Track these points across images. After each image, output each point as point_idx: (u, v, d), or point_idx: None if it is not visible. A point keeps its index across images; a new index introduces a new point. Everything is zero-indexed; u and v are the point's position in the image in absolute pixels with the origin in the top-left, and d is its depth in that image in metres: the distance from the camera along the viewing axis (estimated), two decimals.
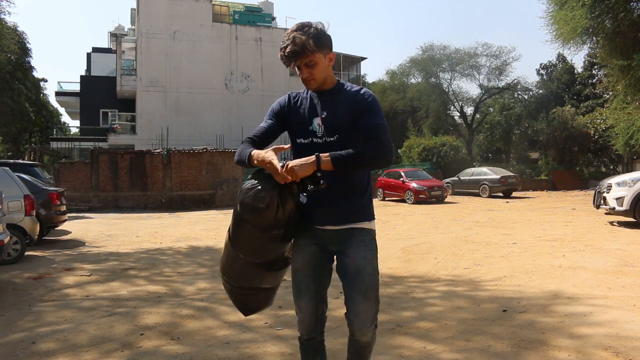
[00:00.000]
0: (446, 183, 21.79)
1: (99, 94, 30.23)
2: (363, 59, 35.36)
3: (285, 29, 17.78)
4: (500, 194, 20.84)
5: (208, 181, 19.66)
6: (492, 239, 8.42)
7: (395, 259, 6.83)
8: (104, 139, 28.20)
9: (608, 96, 22.27)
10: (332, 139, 2.06)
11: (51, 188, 9.78)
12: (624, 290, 4.71)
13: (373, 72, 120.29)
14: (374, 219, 2.20)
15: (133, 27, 33.17)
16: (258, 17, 31.55)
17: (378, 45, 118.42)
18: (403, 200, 18.90)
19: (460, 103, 34.66)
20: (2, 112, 25.91)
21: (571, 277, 5.33)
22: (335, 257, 2.18)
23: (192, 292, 5.14)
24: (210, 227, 11.68)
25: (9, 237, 5.80)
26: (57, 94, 34.06)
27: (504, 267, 6.05)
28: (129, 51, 30.49)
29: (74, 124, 41.85)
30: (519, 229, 9.79)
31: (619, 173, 24.07)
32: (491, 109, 34.54)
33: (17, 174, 8.21)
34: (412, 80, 35.71)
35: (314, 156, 1.93)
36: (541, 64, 41.07)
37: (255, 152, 1.98)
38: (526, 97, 34.92)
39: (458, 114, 35.53)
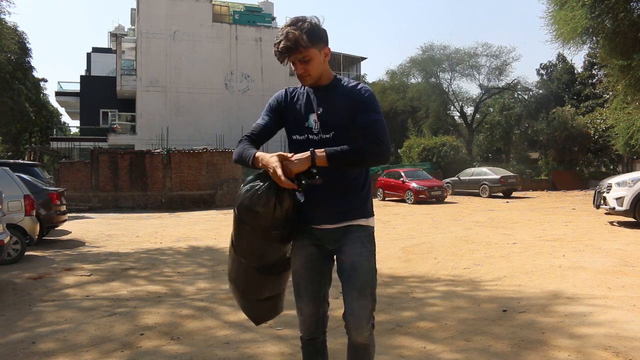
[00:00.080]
0: (446, 183, 21.79)
1: (99, 94, 30.24)
2: (363, 59, 35.39)
3: None
4: (500, 194, 20.84)
5: (208, 181, 19.66)
6: (492, 239, 8.42)
7: (395, 259, 6.83)
8: (104, 139, 28.21)
9: (608, 96, 22.26)
10: (327, 135, 2.03)
11: (51, 188, 9.78)
12: (624, 290, 4.71)
13: (373, 72, 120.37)
14: (373, 216, 2.15)
15: (133, 27, 33.17)
16: (258, 17, 31.55)
17: (378, 45, 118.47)
18: (403, 200, 18.90)
19: (460, 103, 34.68)
20: (2, 112, 25.91)
21: (571, 277, 5.33)
22: (334, 256, 2.16)
23: (192, 292, 5.14)
24: (210, 227, 11.69)
25: (9, 237, 5.80)
26: (57, 94, 34.06)
27: (504, 267, 6.05)
28: (129, 51, 30.49)
29: (74, 124, 41.91)
30: (519, 229, 9.79)
31: (619, 173, 24.06)
32: (491, 109, 34.53)
33: (17, 174, 8.20)
34: (412, 80, 35.72)
35: (309, 152, 1.90)
36: (541, 64, 41.13)
37: (260, 155, 1.96)
38: (526, 97, 34.92)
39: (458, 114, 35.53)
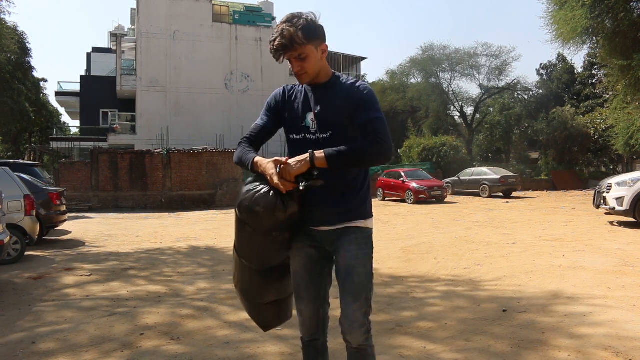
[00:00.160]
0: (446, 183, 21.79)
1: (99, 94, 30.23)
2: (363, 59, 35.43)
3: None
4: (500, 194, 20.84)
5: (208, 181, 19.66)
6: (492, 239, 8.42)
7: (395, 259, 6.83)
8: (104, 139, 28.20)
9: (608, 96, 22.26)
10: (324, 135, 1.99)
11: (51, 188, 9.78)
12: (624, 290, 4.71)
13: (373, 72, 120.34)
14: (371, 217, 2.11)
15: (133, 27, 33.17)
16: (258, 17, 31.55)
17: (378, 45, 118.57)
18: (403, 200, 18.90)
19: (460, 103, 34.67)
20: (2, 112, 25.91)
21: (571, 277, 5.33)
22: (334, 257, 2.14)
23: (192, 292, 5.13)
24: (210, 227, 11.68)
25: (9, 237, 5.80)
26: (57, 94, 34.06)
27: (504, 267, 6.05)
28: (129, 51, 30.49)
29: (74, 124, 41.90)
30: (519, 229, 9.79)
31: (619, 173, 24.06)
32: (491, 109, 34.52)
33: (17, 174, 8.20)
34: (412, 80, 35.71)
35: (308, 154, 1.86)
36: (541, 64, 41.10)
37: (259, 161, 1.95)
38: (526, 97, 34.92)
39: (458, 114, 35.52)
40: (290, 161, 1.88)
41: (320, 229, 2.04)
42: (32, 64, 30.07)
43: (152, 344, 3.49)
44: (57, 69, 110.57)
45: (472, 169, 22.91)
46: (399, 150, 30.20)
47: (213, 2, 30.40)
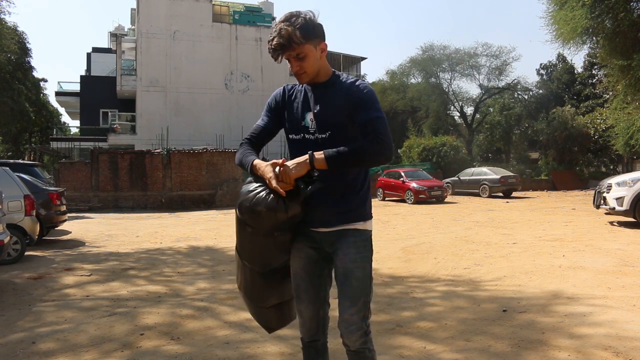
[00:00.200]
0: (446, 183, 21.79)
1: (99, 94, 30.23)
2: (363, 59, 35.42)
3: None
4: (500, 194, 20.84)
5: (208, 181, 19.66)
6: (492, 239, 8.42)
7: (395, 259, 6.83)
8: (104, 139, 28.20)
9: (608, 96, 22.26)
10: (323, 135, 1.96)
11: (51, 188, 9.78)
12: (624, 290, 4.71)
13: (373, 72, 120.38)
14: (370, 219, 2.07)
15: (133, 27, 33.17)
16: (258, 17, 31.55)
17: (378, 45, 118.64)
18: (403, 200, 18.90)
19: (460, 103, 34.68)
20: (2, 112, 25.91)
21: (571, 277, 5.33)
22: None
23: (192, 292, 5.13)
24: (210, 227, 11.68)
25: (9, 237, 5.80)
26: (57, 94, 34.06)
27: (504, 267, 6.05)
28: (129, 51, 30.49)
29: (74, 124, 41.91)
30: (519, 229, 9.79)
31: (619, 173, 24.07)
32: (491, 109, 34.53)
33: (17, 174, 8.20)
34: (412, 80, 35.73)
35: (307, 155, 1.84)
36: (541, 64, 41.11)
37: (257, 164, 1.94)
38: (526, 97, 34.92)
39: (458, 114, 35.53)
40: (289, 163, 1.85)
41: (319, 230, 2.02)
42: (32, 64, 30.12)
43: (152, 344, 3.49)
44: (57, 69, 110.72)
45: (472, 169, 22.92)
46: (399, 150, 30.20)
47: (213, 2, 30.40)
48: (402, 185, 18.95)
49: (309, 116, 2.00)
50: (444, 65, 32.97)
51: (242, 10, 31.94)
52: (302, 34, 1.87)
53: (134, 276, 6.03)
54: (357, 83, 1.97)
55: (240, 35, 30.34)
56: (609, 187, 9.87)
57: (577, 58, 66.17)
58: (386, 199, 20.24)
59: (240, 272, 2.14)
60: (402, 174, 19.50)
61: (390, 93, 35.34)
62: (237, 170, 19.86)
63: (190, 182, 19.49)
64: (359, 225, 2.01)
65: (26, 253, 7.50)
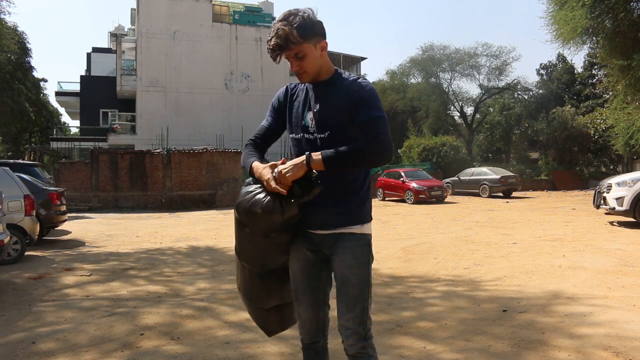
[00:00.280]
0: (446, 183, 21.80)
1: (99, 94, 30.24)
2: (363, 59, 35.41)
3: None
4: (500, 194, 20.84)
5: (208, 181, 19.66)
6: (492, 239, 8.42)
7: (395, 259, 6.83)
8: (104, 139, 28.21)
9: (608, 96, 22.26)
10: (323, 135, 1.92)
11: (51, 188, 9.77)
12: (624, 290, 4.71)
13: (373, 72, 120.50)
14: (369, 221, 2.02)
15: (133, 27, 33.18)
16: (258, 17, 31.56)
17: (378, 45, 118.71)
18: (403, 200, 18.90)
19: (460, 103, 34.68)
20: (2, 112, 25.92)
21: (571, 277, 5.33)
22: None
23: (192, 292, 5.14)
24: (210, 227, 11.68)
25: (9, 237, 5.80)
26: (57, 94, 34.07)
27: (504, 267, 6.05)
28: (129, 51, 30.50)
29: (74, 124, 41.92)
30: (519, 229, 9.79)
31: (619, 173, 24.07)
32: (491, 109, 34.53)
33: (17, 174, 8.20)
34: (412, 80, 35.73)
35: (304, 156, 1.81)
36: (541, 64, 41.09)
37: (255, 166, 1.93)
38: (526, 97, 34.93)
39: (458, 114, 35.54)
40: (286, 165, 1.82)
41: (317, 232, 1.99)
42: (32, 64, 30.14)
43: (152, 344, 3.50)
44: (57, 69, 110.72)
45: (472, 169, 22.92)
46: (399, 150, 30.21)
47: (213, 2, 30.41)
48: (402, 185, 18.95)
49: (309, 115, 1.97)
50: (444, 65, 32.98)
51: (242, 10, 31.95)
52: (300, 33, 1.83)
53: (134, 276, 6.03)
54: (358, 81, 1.92)
55: (240, 35, 30.35)
56: (609, 187, 9.87)
57: (577, 58, 66.28)
58: (386, 199, 20.24)
59: (240, 273, 2.13)
60: (402, 174, 19.50)
61: (390, 93, 35.34)
62: (237, 170, 19.87)
63: (190, 182, 19.49)
64: (356, 229, 1.96)
65: (26, 253, 7.50)
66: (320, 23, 1.92)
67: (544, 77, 39.86)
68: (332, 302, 2.17)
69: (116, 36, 32.00)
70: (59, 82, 35.80)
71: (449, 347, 3.33)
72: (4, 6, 16.23)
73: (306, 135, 1.97)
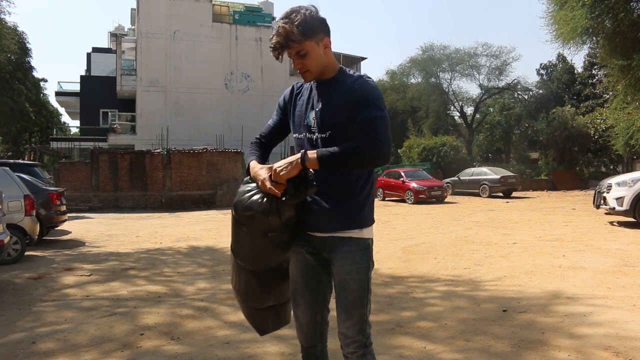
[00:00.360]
0: (446, 183, 21.80)
1: (99, 94, 30.25)
2: (363, 59, 35.41)
3: None
4: (500, 194, 20.84)
5: (208, 181, 19.66)
6: (492, 239, 8.42)
7: (395, 259, 6.83)
8: (104, 139, 28.22)
9: (608, 96, 22.26)
10: (324, 135, 1.88)
11: (51, 188, 9.77)
12: (624, 290, 4.71)
13: (373, 72, 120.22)
14: (370, 225, 1.96)
15: (133, 27, 33.18)
16: (258, 17, 31.56)
17: (378, 45, 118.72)
18: (403, 200, 18.90)
19: (460, 103, 34.71)
20: (2, 112, 25.93)
21: (571, 277, 5.33)
22: None
23: (192, 292, 5.14)
24: (210, 227, 11.68)
25: (9, 237, 5.80)
26: (57, 94, 34.08)
27: (504, 267, 6.05)
28: (129, 51, 30.51)
29: (74, 124, 41.93)
30: (519, 229, 9.79)
31: (619, 173, 24.07)
32: (491, 109, 34.55)
33: (17, 174, 8.20)
34: (412, 80, 35.77)
35: (300, 154, 1.76)
36: (541, 64, 41.12)
37: (251, 166, 1.91)
38: (526, 97, 34.95)
39: (458, 114, 35.57)
40: (281, 163, 1.79)
41: (315, 234, 1.94)
42: (32, 64, 30.18)
43: (152, 344, 3.49)
44: (57, 69, 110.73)
45: (472, 169, 22.92)
46: (399, 150, 30.23)
47: (213, 2, 30.41)
48: (402, 185, 18.95)
49: (312, 115, 1.93)
50: (444, 65, 33.00)
51: (242, 10, 31.95)
52: (301, 31, 1.79)
53: (134, 276, 6.03)
54: (359, 80, 1.87)
55: (240, 35, 30.35)
56: (609, 187, 9.87)
57: (577, 58, 66.33)
58: (386, 199, 20.25)
59: (235, 272, 2.09)
60: (402, 174, 19.50)
61: (390, 93, 35.35)
62: (237, 170, 19.87)
63: (190, 182, 19.49)
64: (355, 234, 1.90)
65: (26, 253, 7.50)
66: (324, 20, 1.88)
67: (544, 77, 39.88)
68: (332, 302, 2.16)
69: (116, 36, 32.00)
70: (59, 82, 35.85)
71: (449, 347, 3.33)
72: (4, 6, 16.26)
73: (308, 135, 1.93)
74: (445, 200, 18.97)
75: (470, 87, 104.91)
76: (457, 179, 22.54)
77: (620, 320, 3.78)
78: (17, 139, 37.12)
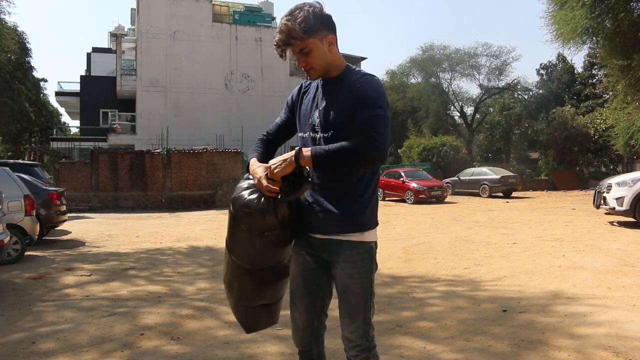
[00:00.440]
0: (446, 183, 21.80)
1: (99, 94, 30.25)
2: (363, 59, 35.38)
3: None
4: (500, 194, 20.84)
5: (208, 181, 19.66)
6: (492, 239, 8.41)
7: (395, 259, 6.83)
8: (104, 139, 28.21)
9: (608, 96, 22.28)
10: (326, 134, 1.84)
11: (51, 188, 9.77)
12: (624, 290, 4.71)
13: (373, 72, 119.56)
14: (373, 228, 1.93)
15: (133, 27, 33.17)
16: (258, 17, 31.55)
17: (378, 45, 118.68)
18: (403, 200, 18.90)
19: (460, 103, 34.71)
20: (2, 112, 25.93)
21: (571, 277, 5.33)
22: None
23: (192, 292, 5.13)
24: (210, 227, 11.68)
25: (9, 237, 5.80)
26: (57, 94, 34.07)
27: (504, 267, 6.05)
28: (129, 51, 30.50)
29: (74, 124, 41.92)
30: (519, 229, 9.79)
31: (619, 173, 24.07)
32: (491, 109, 34.55)
33: (17, 174, 8.20)
34: (412, 80, 35.77)
35: (294, 151, 1.74)
36: (541, 64, 41.09)
37: (251, 163, 1.89)
38: (526, 97, 34.94)
39: (458, 114, 35.56)
40: (275, 160, 1.78)
41: (315, 236, 1.90)
42: (32, 64, 30.19)
43: (152, 344, 3.49)
44: (57, 69, 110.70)
45: (472, 169, 22.92)
46: (399, 150, 30.23)
47: (213, 2, 30.41)
48: (402, 185, 18.95)
49: (316, 114, 1.90)
50: (444, 65, 33.01)
51: (242, 10, 31.95)
52: (303, 28, 1.75)
53: (134, 276, 6.03)
54: (362, 79, 1.82)
55: (240, 35, 30.35)
56: (609, 187, 9.87)
57: (577, 58, 66.32)
58: (386, 199, 20.24)
59: (229, 269, 2.03)
60: (402, 174, 19.51)
61: (390, 93, 35.30)
62: (237, 170, 19.87)
63: (190, 182, 19.49)
64: (355, 237, 1.86)
65: (26, 253, 7.50)
66: (329, 17, 1.84)
67: (544, 77, 39.87)
68: (332, 301, 2.16)
69: (116, 36, 31.99)
70: (59, 82, 35.86)
71: (449, 347, 3.33)
72: (4, 6, 16.26)
73: (312, 134, 1.90)
74: (445, 200, 18.98)
75: (470, 87, 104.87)
76: (457, 179, 22.54)
77: (620, 320, 3.78)
78: (17, 139, 37.12)
